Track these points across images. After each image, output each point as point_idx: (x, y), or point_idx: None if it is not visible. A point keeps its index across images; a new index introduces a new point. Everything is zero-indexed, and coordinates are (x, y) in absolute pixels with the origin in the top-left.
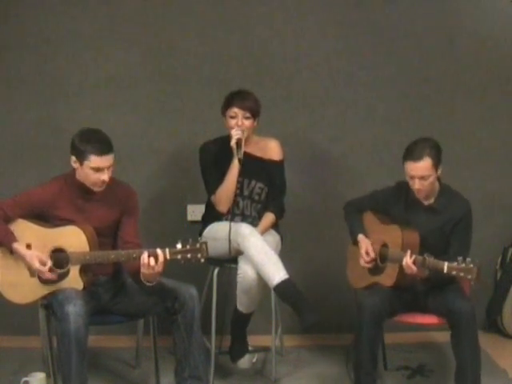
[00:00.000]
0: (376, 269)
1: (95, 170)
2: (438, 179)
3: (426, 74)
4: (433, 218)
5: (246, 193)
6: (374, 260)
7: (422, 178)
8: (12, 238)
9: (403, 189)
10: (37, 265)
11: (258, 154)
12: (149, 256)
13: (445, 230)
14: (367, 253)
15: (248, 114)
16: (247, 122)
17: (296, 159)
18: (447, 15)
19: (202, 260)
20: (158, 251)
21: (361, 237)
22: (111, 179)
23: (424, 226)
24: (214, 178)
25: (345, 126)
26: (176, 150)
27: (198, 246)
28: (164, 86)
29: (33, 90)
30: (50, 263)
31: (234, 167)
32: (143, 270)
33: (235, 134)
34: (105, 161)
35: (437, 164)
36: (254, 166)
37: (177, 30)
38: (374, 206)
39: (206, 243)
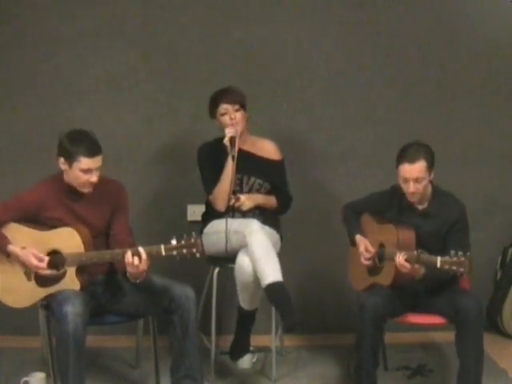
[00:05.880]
0: (374, 269)
1: (85, 171)
2: (431, 182)
3: (426, 73)
4: (427, 222)
5: (245, 189)
6: (374, 257)
7: (417, 180)
8: (6, 240)
9: (397, 193)
10: (34, 262)
11: (258, 152)
12: (133, 255)
13: (440, 233)
14: (367, 249)
15: (237, 106)
16: (239, 114)
17: (296, 159)
18: (447, 15)
19: (198, 255)
20: (140, 249)
21: (358, 237)
22: (98, 177)
23: (419, 231)
24: (211, 178)
25: (345, 126)
26: (176, 150)
27: (192, 241)
28: (164, 86)
29: (33, 89)
30: (46, 259)
31: (229, 165)
32: (128, 268)
33: (229, 131)
34: (95, 162)
35: (430, 167)
36: (252, 163)
37: (176, 30)
38: (369, 209)
39: (200, 238)
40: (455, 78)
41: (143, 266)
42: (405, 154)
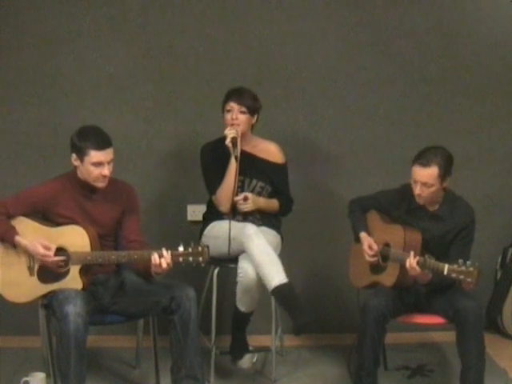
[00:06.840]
0: (377, 268)
1: (96, 164)
2: (444, 187)
3: (425, 73)
4: (436, 225)
5: (247, 192)
6: (377, 256)
7: (425, 184)
8: (14, 231)
9: (407, 193)
10: (41, 251)
11: (260, 155)
12: (159, 257)
13: (447, 238)
14: (370, 247)
15: (244, 109)
16: (242, 117)
17: (296, 159)
18: (447, 15)
19: (203, 264)
20: (164, 253)
21: (363, 234)
22: (110, 178)
23: (426, 233)
24: (214, 179)
25: (345, 126)
26: (176, 150)
27: (199, 249)
28: (164, 86)
29: (33, 90)
30: (53, 248)
31: (232, 166)
32: (155, 269)
33: (229, 132)
34: (105, 155)
35: (444, 175)
36: (255, 166)
37: (176, 30)
38: (376, 206)
39: (207, 247)
40: (455, 77)
41: (168, 266)
42: (420, 156)
